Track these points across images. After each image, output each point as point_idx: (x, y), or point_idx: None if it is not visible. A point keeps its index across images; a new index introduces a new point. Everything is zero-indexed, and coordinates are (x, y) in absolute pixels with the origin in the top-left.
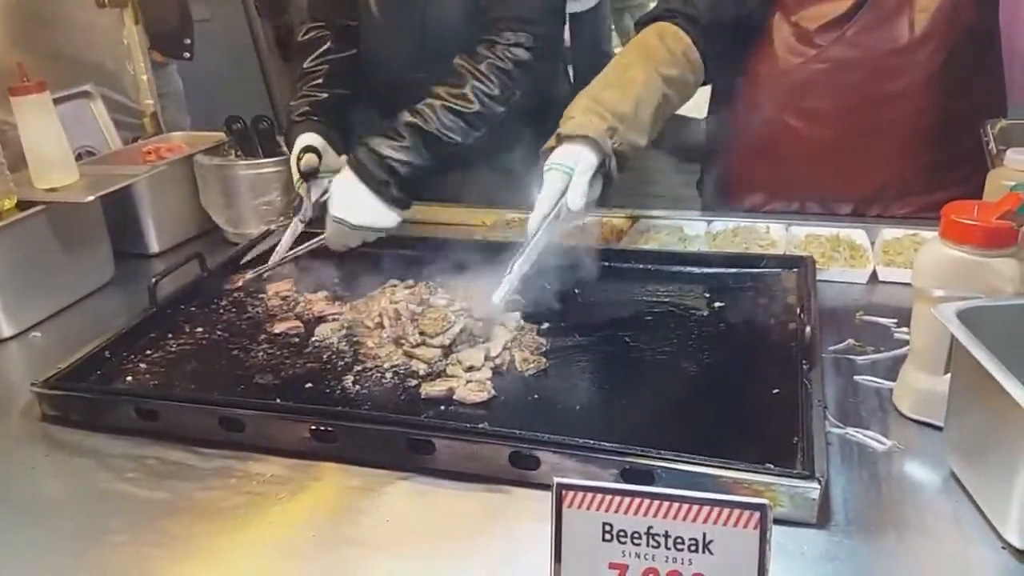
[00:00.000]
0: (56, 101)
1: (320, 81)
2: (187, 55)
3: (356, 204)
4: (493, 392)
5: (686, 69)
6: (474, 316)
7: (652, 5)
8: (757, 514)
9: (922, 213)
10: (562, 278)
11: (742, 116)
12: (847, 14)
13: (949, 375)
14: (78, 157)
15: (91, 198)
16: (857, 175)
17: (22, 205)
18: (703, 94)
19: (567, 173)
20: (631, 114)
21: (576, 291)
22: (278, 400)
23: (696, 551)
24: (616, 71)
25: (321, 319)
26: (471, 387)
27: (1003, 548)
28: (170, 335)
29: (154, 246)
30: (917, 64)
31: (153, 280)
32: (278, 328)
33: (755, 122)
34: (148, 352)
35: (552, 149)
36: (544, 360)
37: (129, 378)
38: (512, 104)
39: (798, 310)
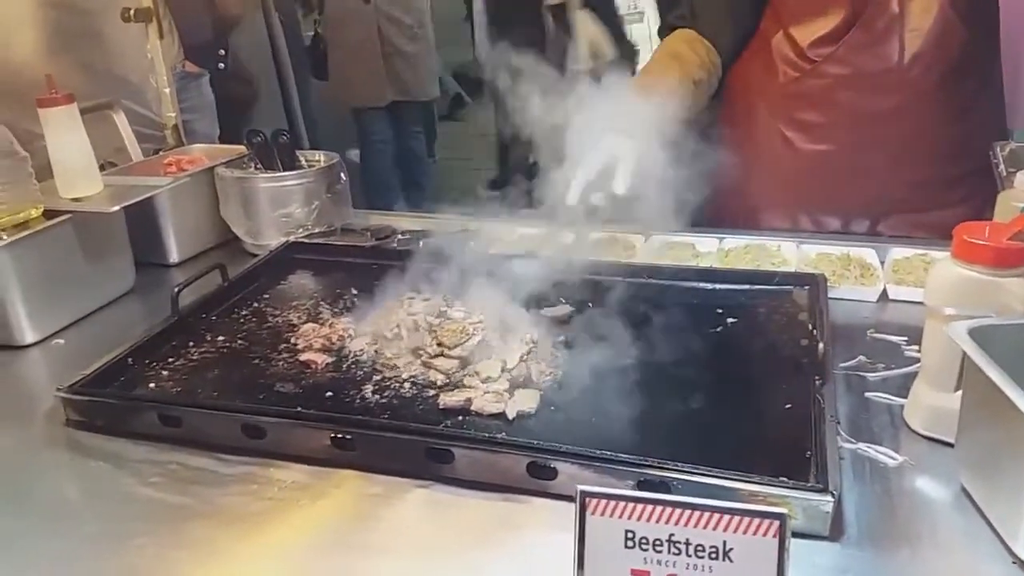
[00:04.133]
0: (80, 112)
1: None
2: (222, 65)
3: None
4: (510, 404)
5: (711, 72)
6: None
7: None
8: (777, 523)
9: (916, 232)
10: (577, 292)
11: (740, 126)
12: (837, 31)
13: (960, 392)
14: (100, 168)
15: (116, 208)
16: (848, 190)
17: (48, 214)
18: None
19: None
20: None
21: (591, 305)
22: (299, 408)
23: (716, 558)
24: (654, 70)
25: (343, 338)
26: (488, 398)
27: (1014, 563)
28: (192, 343)
29: (174, 256)
30: (908, 83)
31: (176, 289)
32: (303, 357)
33: (752, 132)
34: (171, 360)
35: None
36: (560, 372)
37: (152, 385)
38: None
39: (810, 327)
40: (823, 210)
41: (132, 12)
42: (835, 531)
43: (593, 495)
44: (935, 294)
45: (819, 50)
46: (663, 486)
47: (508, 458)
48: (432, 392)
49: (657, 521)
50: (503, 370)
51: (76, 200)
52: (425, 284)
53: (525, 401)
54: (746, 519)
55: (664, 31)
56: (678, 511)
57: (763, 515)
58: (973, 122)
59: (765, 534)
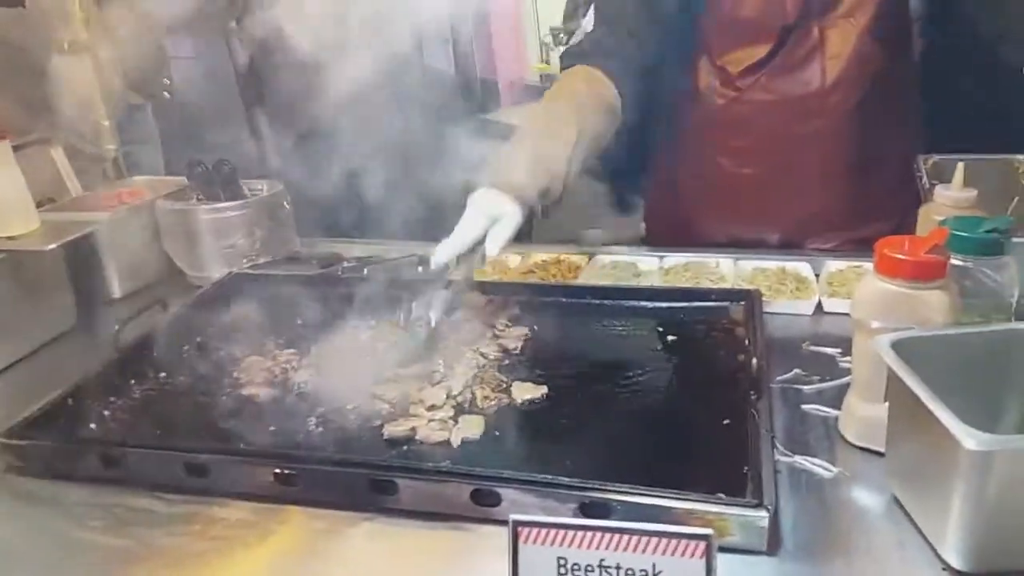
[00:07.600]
0: (15, 148)
1: None
2: (166, 94)
3: None
4: (455, 431)
5: (610, 116)
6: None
7: None
8: (703, 544)
9: (850, 248)
10: (520, 315)
11: (676, 153)
12: (764, 59)
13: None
14: (38, 204)
15: (53, 246)
16: (779, 211)
17: None
18: None
19: (491, 218)
20: (564, 173)
21: (534, 327)
22: (241, 444)
23: None
24: (552, 121)
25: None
26: (433, 426)
27: (944, 570)
28: (134, 381)
29: (116, 291)
30: (830, 107)
31: (116, 327)
32: (247, 391)
33: (687, 159)
34: (112, 399)
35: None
36: (504, 397)
37: (93, 425)
38: None
39: (746, 342)
40: (758, 230)
41: (68, 44)
42: (772, 545)
43: (525, 524)
44: (860, 308)
45: (747, 79)
46: (604, 508)
47: (451, 487)
48: (377, 422)
49: (588, 547)
50: (448, 397)
51: (11, 239)
52: (371, 312)
53: (469, 428)
54: (673, 541)
55: (566, 59)
56: (608, 535)
57: (689, 536)
58: (893, 139)
59: (692, 555)
